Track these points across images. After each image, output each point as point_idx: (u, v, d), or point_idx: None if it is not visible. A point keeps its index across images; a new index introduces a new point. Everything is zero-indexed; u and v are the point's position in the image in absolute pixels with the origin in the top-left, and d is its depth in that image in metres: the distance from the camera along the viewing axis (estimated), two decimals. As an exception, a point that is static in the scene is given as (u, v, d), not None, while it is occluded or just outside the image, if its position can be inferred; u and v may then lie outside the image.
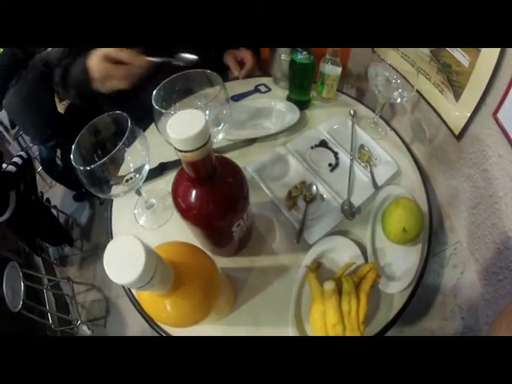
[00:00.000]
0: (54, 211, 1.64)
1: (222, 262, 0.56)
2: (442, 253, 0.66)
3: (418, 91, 0.69)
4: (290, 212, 0.60)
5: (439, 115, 0.65)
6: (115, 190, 0.51)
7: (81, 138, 0.47)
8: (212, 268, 0.37)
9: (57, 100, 1.45)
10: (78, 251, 1.66)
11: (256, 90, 0.83)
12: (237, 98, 0.80)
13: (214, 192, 0.38)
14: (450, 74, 0.59)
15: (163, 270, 0.26)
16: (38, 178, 1.64)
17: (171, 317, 0.33)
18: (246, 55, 0.88)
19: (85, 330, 1.45)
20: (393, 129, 0.78)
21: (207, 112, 0.51)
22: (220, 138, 0.52)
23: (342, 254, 0.56)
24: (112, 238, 0.63)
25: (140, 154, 0.51)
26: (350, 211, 0.59)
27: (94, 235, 1.71)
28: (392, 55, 0.73)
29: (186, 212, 0.40)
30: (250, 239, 0.57)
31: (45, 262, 1.60)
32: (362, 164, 0.69)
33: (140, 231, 0.62)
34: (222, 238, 0.48)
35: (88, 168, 0.43)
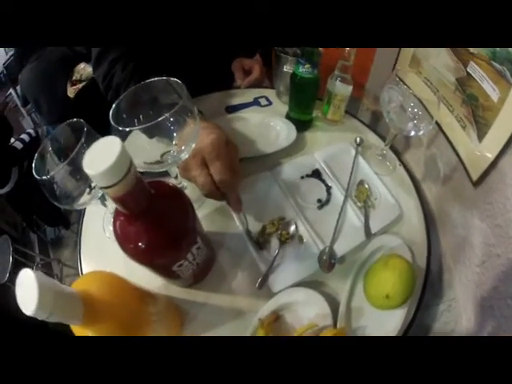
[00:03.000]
0: (55, 192, 1.65)
1: (175, 291, 0.50)
2: (435, 307, 0.58)
3: (437, 123, 0.60)
4: (260, 251, 0.52)
5: (458, 154, 0.56)
6: (79, 200, 0.47)
7: (42, 148, 0.45)
8: (135, 305, 0.33)
9: (69, 84, 1.45)
10: (73, 235, 1.66)
11: (255, 102, 0.75)
12: (231, 109, 0.73)
13: (147, 228, 0.33)
14: (476, 107, 0.50)
15: (64, 305, 0.26)
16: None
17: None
18: (254, 65, 0.82)
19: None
20: (402, 163, 0.68)
21: (172, 127, 0.45)
22: (183, 158, 0.46)
23: (308, 309, 0.47)
24: (80, 248, 0.60)
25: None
26: (328, 263, 0.51)
27: (91, 221, 1.70)
28: (412, 78, 0.64)
29: (122, 245, 0.35)
30: (208, 273, 0.51)
31: (40, 241, 1.61)
32: (358, 204, 0.60)
33: (107, 242, 0.58)
34: (164, 275, 0.42)
35: (47, 177, 0.41)
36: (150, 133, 0.44)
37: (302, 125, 0.70)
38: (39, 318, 0.24)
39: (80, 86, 1.31)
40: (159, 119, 0.40)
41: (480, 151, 0.50)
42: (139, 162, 0.45)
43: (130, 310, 0.32)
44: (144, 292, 0.37)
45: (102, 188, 0.26)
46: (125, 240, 0.35)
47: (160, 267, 0.39)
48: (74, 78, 1.36)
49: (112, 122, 0.40)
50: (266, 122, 0.69)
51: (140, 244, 0.34)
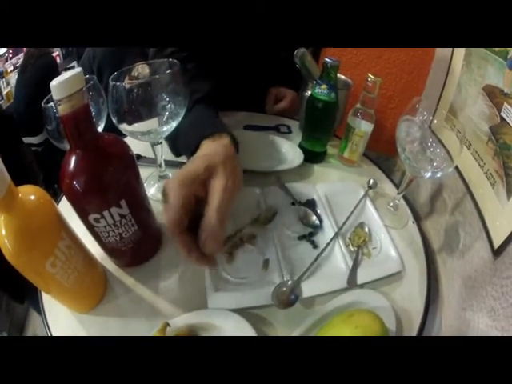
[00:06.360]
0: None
1: (111, 266, 0.46)
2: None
3: (465, 183, 0.51)
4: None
5: (483, 219, 0.46)
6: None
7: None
8: (46, 226, 0.32)
9: (127, 76, 1.56)
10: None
11: (275, 128, 0.74)
12: (249, 128, 0.72)
13: (78, 162, 0.33)
14: (508, 159, 0.42)
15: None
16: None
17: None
18: (287, 94, 0.82)
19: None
20: (417, 223, 0.58)
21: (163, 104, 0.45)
22: (164, 134, 0.46)
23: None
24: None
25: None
26: (286, 296, 0.41)
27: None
28: (445, 133, 0.56)
29: (61, 180, 0.34)
30: (145, 261, 0.47)
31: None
32: (351, 248, 0.51)
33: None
34: (86, 227, 0.38)
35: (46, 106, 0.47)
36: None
37: (312, 156, 0.65)
38: None
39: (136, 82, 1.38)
40: (143, 80, 0.46)
41: (507, 212, 0.41)
42: (125, 127, 0.46)
43: (38, 224, 0.31)
44: (65, 230, 0.34)
45: (56, 103, 0.29)
46: (63, 174, 0.34)
47: (78, 210, 0.36)
48: (132, 73, 1.41)
49: (110, 81, 0.44)
50: (272, 141, 0.66)
51: (67, 177, 0.33)
